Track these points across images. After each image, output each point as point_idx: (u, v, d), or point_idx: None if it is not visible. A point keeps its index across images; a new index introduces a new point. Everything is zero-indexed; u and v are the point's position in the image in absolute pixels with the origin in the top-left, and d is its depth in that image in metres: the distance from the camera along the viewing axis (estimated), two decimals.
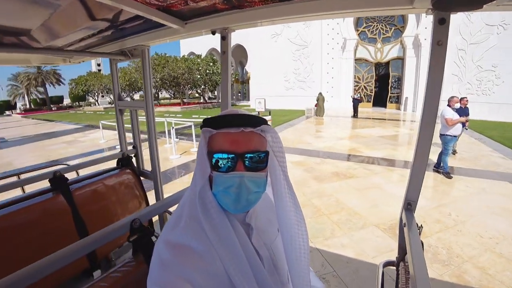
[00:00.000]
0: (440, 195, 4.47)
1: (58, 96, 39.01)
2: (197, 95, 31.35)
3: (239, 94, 31.06)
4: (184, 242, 0.61)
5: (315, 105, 15.76)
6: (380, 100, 19.65)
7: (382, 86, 19.93)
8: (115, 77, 2.15)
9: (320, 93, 15.69)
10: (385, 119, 14.13)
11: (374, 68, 19.22)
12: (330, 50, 19.19)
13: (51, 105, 34.06)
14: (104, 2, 0.89)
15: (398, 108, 18.45)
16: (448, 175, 5.17)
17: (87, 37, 1.55)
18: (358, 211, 3.82)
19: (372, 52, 18.73)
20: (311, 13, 1.04)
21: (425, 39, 15.64)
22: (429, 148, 1.00)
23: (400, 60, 17.98)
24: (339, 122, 13.37)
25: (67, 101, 40.87)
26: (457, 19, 13.34)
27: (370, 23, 18.43)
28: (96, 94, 34.43)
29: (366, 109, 18.81)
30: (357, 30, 18.80)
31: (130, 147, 2.26)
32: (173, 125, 7.60)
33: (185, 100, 27.46)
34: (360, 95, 18.67)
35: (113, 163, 2.18)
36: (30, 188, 1.86)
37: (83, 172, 2.13)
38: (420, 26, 15.97)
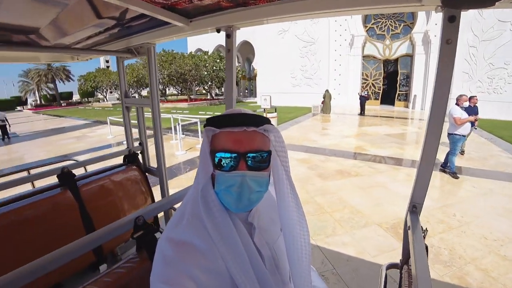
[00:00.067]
0: (446, 195, 4.39)
1: (67, 92, 40.00)
2: (204, 91, 31.45)
3: (246, 91, 30.98)
4: (186, 239, 0.62)
5: (322, 102, 15.63)
6: (388, 97, 19.31)
7: (390, 84, 19.58)
8: (122, 74, 2.17)
9: (327, 90, 15.52)
10: (392, 117, 13.89)
11: (382, 65, 18.84)
12: (337, 46, 18.90)
13: (61, 101, 34.75)
14: (110, 1, 0.89)
15: (407, 106, 18.08)
16: (454, 175, 5.07)
17: (94, 35, 1.56)
18: (361, 210, 3.80)
19: (381, 49, 18.37)
20: (318, 10, 1.02)
21: (435, 36, 15.21)
22: (437, 148, 0.96)
23: (409, 57, 17.58)
24: (346, 120, 13.22)
25: (76, 97, 41.73)
26: (469, 15, 12.95)
27: (379, 20, 18.05)
28: (105, 90, 34.93)
29: (373, 106, 18.51)
30: (365, 27, 18.45)
31: (136, 144, 2.28)
32: (179, 122, 7.65)
33: (192, 97, 27.61)
34: (368, 92, 18.40)
35: (119, 160, 2.21)
36: (39, 183, 1.90)
37: (90, 168, 2.17)
38: (430, 22, 15.57)
